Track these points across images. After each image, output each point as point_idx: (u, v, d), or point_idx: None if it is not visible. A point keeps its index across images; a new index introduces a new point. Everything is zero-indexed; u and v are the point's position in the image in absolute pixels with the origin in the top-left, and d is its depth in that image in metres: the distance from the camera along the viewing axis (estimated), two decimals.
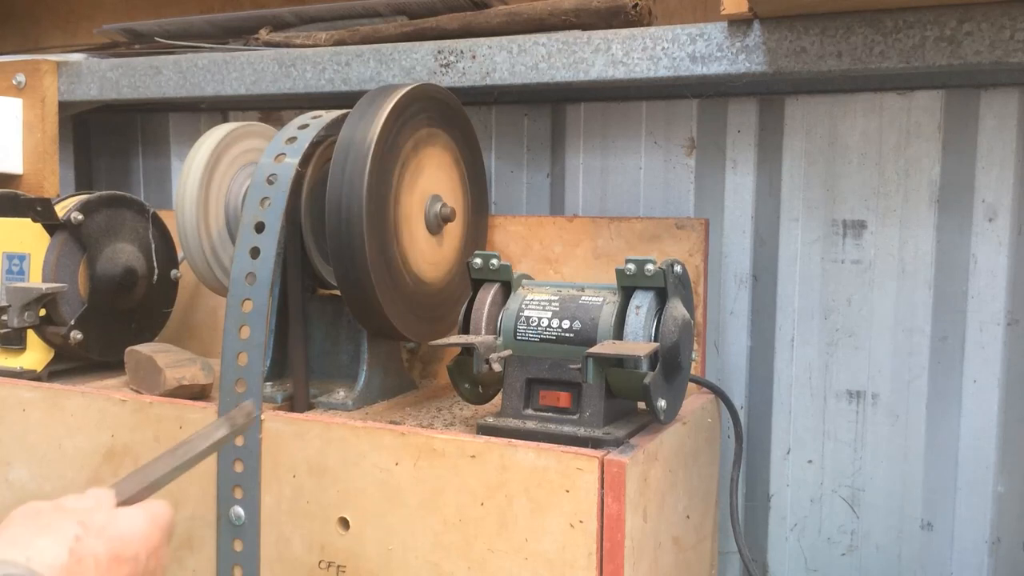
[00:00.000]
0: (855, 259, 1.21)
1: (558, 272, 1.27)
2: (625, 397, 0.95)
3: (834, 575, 1.25)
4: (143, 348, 1.16)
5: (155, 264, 1.31)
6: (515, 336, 0.96)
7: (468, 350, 0.98)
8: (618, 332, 0.93)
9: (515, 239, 1.29)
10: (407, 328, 1.08)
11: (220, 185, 1.18)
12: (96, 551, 0.56)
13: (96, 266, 1.24)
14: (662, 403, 0.92)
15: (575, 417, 0.93)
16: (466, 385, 1.02)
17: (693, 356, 1.15)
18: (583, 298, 0.96)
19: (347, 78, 1.31)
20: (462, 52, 1.24)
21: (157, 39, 1.49)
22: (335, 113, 1.07)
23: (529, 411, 0.95)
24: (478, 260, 1.02)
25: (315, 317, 1.16)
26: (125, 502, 0.65)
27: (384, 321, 1.05)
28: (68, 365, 1.27)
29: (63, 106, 1.51)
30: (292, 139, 1.02)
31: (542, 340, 0.95)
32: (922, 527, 1.20)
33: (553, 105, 1.37)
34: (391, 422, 1.00)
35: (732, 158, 1.27)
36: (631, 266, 0.93)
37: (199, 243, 1.16)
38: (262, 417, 0.97)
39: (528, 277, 1.03)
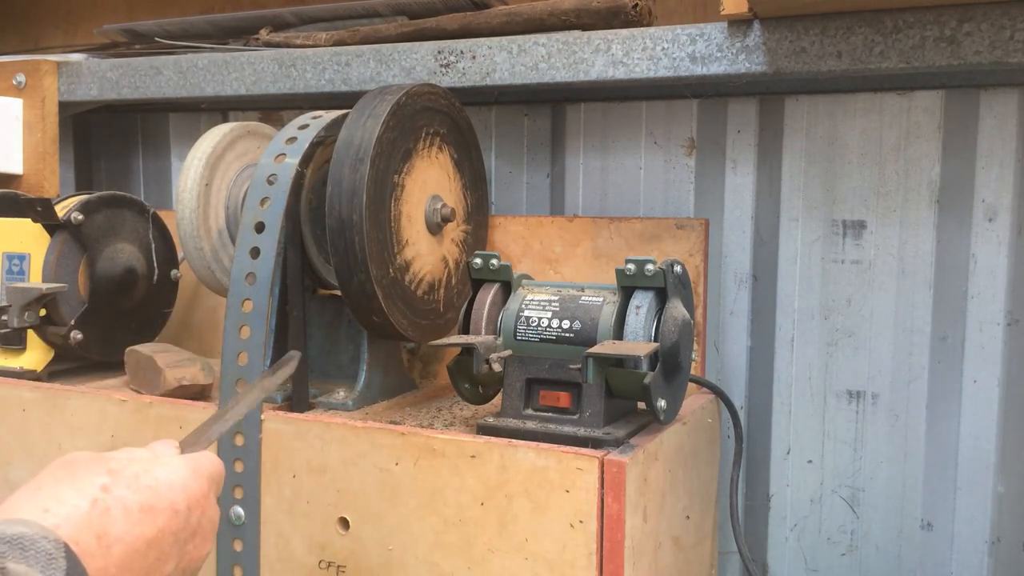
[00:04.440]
0: (855, 259, 1.21)
1: (558, 272, 1.27)
2: (625, 397, 0.95)
3: (834, 575, 1.25)
4: (143, 348, 1.16)
5: (155, 264, 1.31)
6: (515, 336, 0.96)
7: (468, 350, 0.98)
8: (618, 332, 0.93)
9: (515, 239, 1.29)
10: (407, 328, 1.08)
11: (220, 185, 1.18)
12: (126, 500, 0.53)
13: (96, 266, 1.24)
14: (662, 403, 0.92)
15: (575, 417, 0.93)
16: (466, 385, 1.02)
17: (693, 356, 1.15)
18: (583, 298, 0.96)
19: (347, 78, 1.31)
20: (462, 52, 1.24)
21: (157, 39, 1.49)
22: (335, 113, 1.07)
23: (529, 411, 0.95)
24: (478, 260, 1.02)
25: (315, 317, 1.16)
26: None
27: (384, 321, 1.05)
28: (68, 365, 1.27)
29: (63, 106, 1.51)
30: (292, 139, 1.03)
31: (542, 340, 0.95)
32: (922, 527, 1.20)
33: (553, 105, 1.37)
34: (391, 422, 1.00)
35: (732, 158, 1.27)
36: (631, 266, 0.93)
37: (199, 243, 1.16)
38: (262, 417, 0.97)
39: (528, 277, 1.03)
